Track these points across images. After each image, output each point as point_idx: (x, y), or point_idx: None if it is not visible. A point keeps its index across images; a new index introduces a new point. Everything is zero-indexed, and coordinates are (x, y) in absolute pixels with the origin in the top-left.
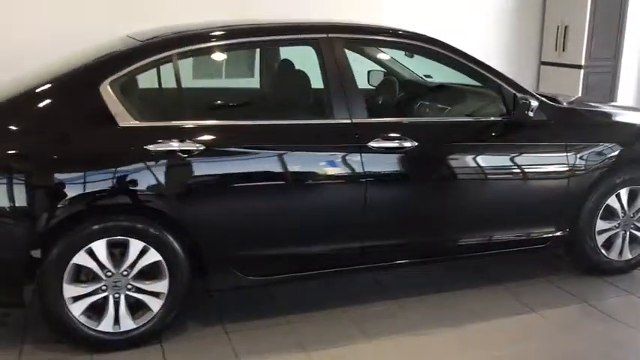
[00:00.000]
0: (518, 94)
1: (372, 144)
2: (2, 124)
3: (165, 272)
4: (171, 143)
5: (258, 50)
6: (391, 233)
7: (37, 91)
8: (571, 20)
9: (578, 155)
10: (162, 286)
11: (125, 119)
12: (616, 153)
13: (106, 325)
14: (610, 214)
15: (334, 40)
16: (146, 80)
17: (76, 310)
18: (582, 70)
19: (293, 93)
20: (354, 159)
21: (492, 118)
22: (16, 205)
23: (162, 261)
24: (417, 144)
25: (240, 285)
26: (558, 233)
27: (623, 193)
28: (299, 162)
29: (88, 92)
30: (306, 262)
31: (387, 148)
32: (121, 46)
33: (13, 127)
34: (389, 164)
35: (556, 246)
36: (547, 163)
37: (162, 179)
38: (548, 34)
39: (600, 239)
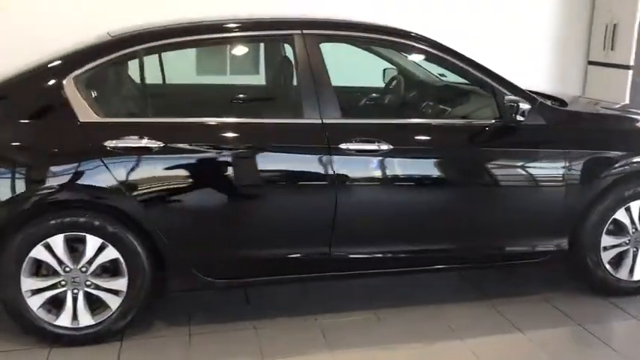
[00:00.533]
0: (508, 97)
1: (343, 146)
2: None
3: (124, 270)
4: (130, 140)
5: (229, 47)
6: (363, 241)
7: (6, 83)
8: (620, 18)
9: (579, 163)
10: (120, 284)
11: (86, 115)
12: (625, 162)
13: (64, 320)
14: (618, 229)
15: (308, 36)
16: (114, 76)
17: (34, 303)
18: (631, 71)
19: (262, 91)
20: (324, 161)
21: (478, 122)
22: None
23: (121, 259)
24: (392, 147)
25: (202, 287)
26: (556, 247)
27: (634, 206)
28: (263, 162)
29: (52, 87)
30: (272, 266)
31: (359, 151)
32: (95, 42)
33: None
34: (361, 168)
35: (555, 261)
36: (540, 170)
37: (119, 176)
38: (597, 33)
39: (606, 256)
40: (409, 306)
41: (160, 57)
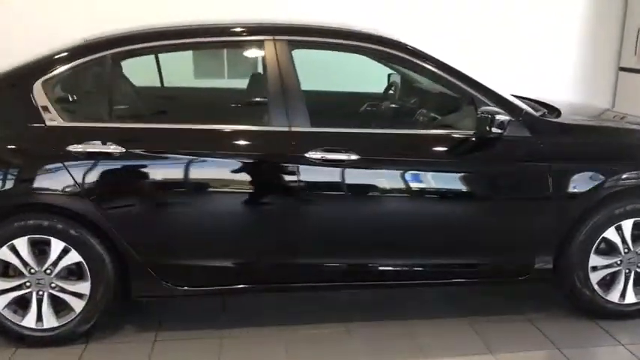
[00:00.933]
0: (483, 108)
1: (310, 155)
2: None
3: (87, 274)
4: (92, 145)
5: (199, 52)
6: (330, 252)
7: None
8: None
9: (565, 178)
10: (84, 287)
11: (52, 119)
12: (616, 178)
13: (29, 321)
14: (609, 248)
15: (279, 42)
16: (82, 81)
17: (0, 303)
18: None
19: (230, 96)
20: (289, 170)
21: (452, 133)
22: None
23: (84, 263)
24: (359, 157)
25: (165, 294)
26: (539, 266)
27: (626, 225)
28: (227, 170)
29: (21, 91)
30: (235, 275)
31: (325, 161)
32: (65, 47)
33: None
34: (327, 178)
35: (539, 280)
36: (520, 185)
37: (80, 181)
38: (628, 38)
39: (595, 277)
40: (383, 320)
41: (125, 62)
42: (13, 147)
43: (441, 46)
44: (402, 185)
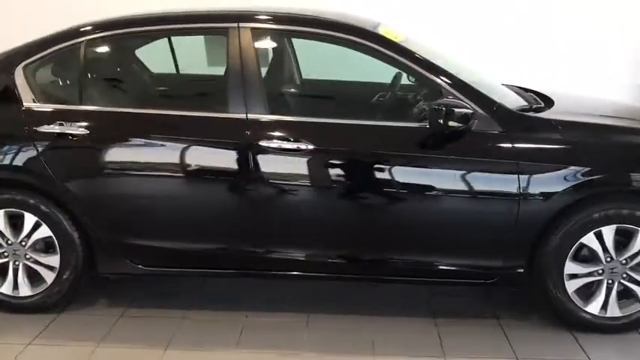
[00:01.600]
0: (439, 100)
1: (263, 143)
2: None
3: (57, 248)
4: (58, 126)
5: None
6: (285, 242)
7: None
8: None
9: (536, 177)
10: (54, 260)
11: (28, 101)
12: (594, 180)
13: (6, 288)
14: (589, 255)
15: (243, 30)
16: (58, 66)
17: None
18: None
19: (195, 83)
20: (244, 157)
21: (408, 125)
22: None
23: (54, 237)
24: (313, 147)
25: (127, 272)
26: (509, 269)
27: (607, 232)
28: (183, 154)
29: (7, 74)
30: (192, 258)
31: (279, 149)
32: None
33: None
34: (280, 166)
35: (509, 284)
36: (482, 182)
37: (47, 160)
38: None
39: (572, 285)
40: (345, 315)
41: (97, 49)
42: (4, 126)
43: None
44: (356, 178)
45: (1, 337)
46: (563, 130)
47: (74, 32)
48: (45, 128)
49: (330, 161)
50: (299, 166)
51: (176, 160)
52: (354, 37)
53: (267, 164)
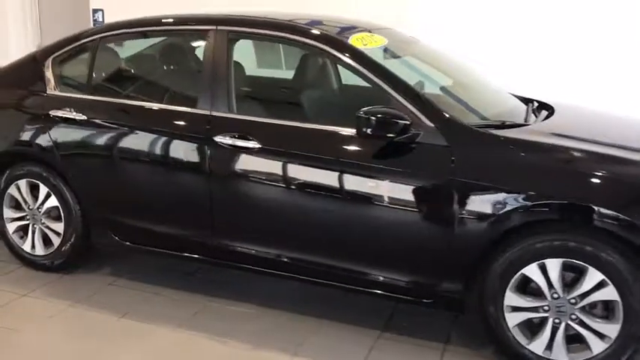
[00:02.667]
0: (370, 108)
1: (218, 139)
2: None
3: (62, 217)
4: (65, 111)
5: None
6: (238, 234)
7: (17, 61)
8: None
9: (474, 198)
10: (60, 227)
11: (51, 88)
12: (536, 205)
13: (27, 246)
14: (533, 289)
15: (220, 32)
16: (76, 59)
17: (10, 229)
18: None
19: (175, 80)
20: (201, 151)
21: (344, 131)
22: None
23: (60, 207)
24: (259, 146)
25: (114, 246)
26: (445, 291)
27: (552, 264)
28: (155, 144)
29: (39, 64)
30: (165, 240)
31: (229, 145)
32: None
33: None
34: (230, 162)
35: (446, 307)
36: (419, 196)
37: (55, 140)
38: None
39: (513, 318)
40: (293, 312)
41: (106, 46)
42: (25, 108)
43: None
44: (295, 177)
45: (6, 286)
46: (515, 150)
47: (90, 31)
48: (56, 112)
49: (273, 160)
50: (247, 162)
51: (149, 148)
52: (311, 41)
53: (220, 159)
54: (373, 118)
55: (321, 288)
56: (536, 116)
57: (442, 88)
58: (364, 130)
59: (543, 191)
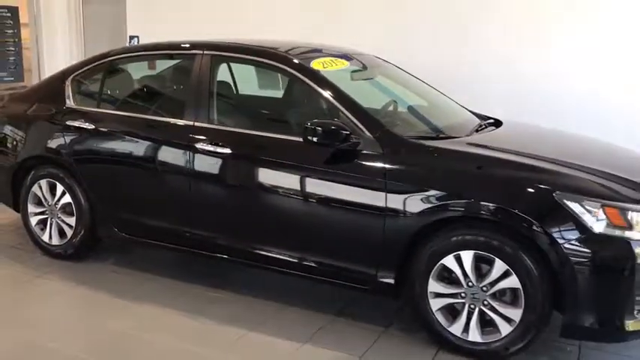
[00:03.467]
0: (316, 120)
1: (198, 145)
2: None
3: (74, 212)
4: (78, 122)
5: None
6: (208, 225)
7: (46, 79)
8: None
9: (400, 196)
10: (72, 221)
11: (70, 102)
12: (448, 204)
13: (45, 237)
14: (451, 278)
15: (205, 56)
16: (91, 78)
17: (33, 222)
18: None
19: (170, 96)
20: (185, 156)
21: (292, 139)
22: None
23: (72, 203)
24: (230, 151)
25: (114, 238)
26: (381, 279)
27: (466, 256)
28: (149, 149)
29: (61, 82)
30: (155, 233)
31: (206, 151)
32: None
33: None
34: (207, 165)
35: (382, 293)
36: (357, 196)
37: (69, 146)
38: None
39: (436, 304)
40: (256, 297)
41: (112, 68)
42: (50, 119)
43: None
44: (251, 176)
45: (27, 268)
46: (436, 157)
47: (104, 54)
48: (72, 122)
49: (240, 163)
50: (220, 165)
51: (144, 153)
52: (276, 63)
53: (200, 162)
54: (319, 128)
55: (285, 277)
56: (477, 131)
57: (409, 107)
58: (311, 138)
59: (454, 192)
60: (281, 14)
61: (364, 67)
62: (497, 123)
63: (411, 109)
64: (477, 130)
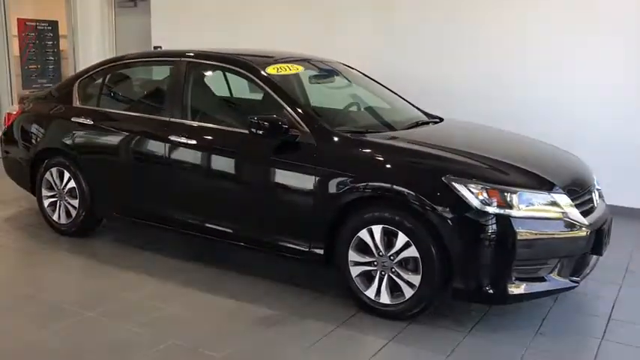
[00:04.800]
0: (260, 115)
1: (172, 137)
2: (43, 100)
3: (77, 195)
4: (79, 118)
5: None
6: (180, 205)
7: (67, 80)
8: None
9: (326, 181)
10: (76, 203)
11: (77, 102)
12: (360, 186)
13: (56, 217)
14: (366, 248)
15: (182, 62)
16: (93, 81)
17: (46, 205)
18: None
19: (156, 96)
20: (162, 147)
21: (242, 131)
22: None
23: (76, 188)
24: (194, 142)
25: (110, 217)
26: (313, 250)
27: (376, 230)
28: (133, 141)
29: (71, 85)
30: (140, 213)
31: (178, 142)
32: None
33: (46, 101)
34: (178, 153)
35: (315, 262)
36: (293, 179)
37: (73, 138)
38: None
39: (355, 271)
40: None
41: (111, 74)
42: (61, 116)
43: None
44: (211, 164)
45: (39, 243)
46: (357, 146)
47: (104, 61)
48: (76, 119)
49: (200, 152)
50: (187, 154)
51: (130, 145)
52: (235, 67)
53: (173, 152)
54: (262, 122)
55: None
56: (410, 127)
57: (366, 107)
58: (254, 130)
59: (366, 176)
60: (288, 24)
61: (328, 73)
62: (440, 121)
63: (368, 109)
64: (410, 127)
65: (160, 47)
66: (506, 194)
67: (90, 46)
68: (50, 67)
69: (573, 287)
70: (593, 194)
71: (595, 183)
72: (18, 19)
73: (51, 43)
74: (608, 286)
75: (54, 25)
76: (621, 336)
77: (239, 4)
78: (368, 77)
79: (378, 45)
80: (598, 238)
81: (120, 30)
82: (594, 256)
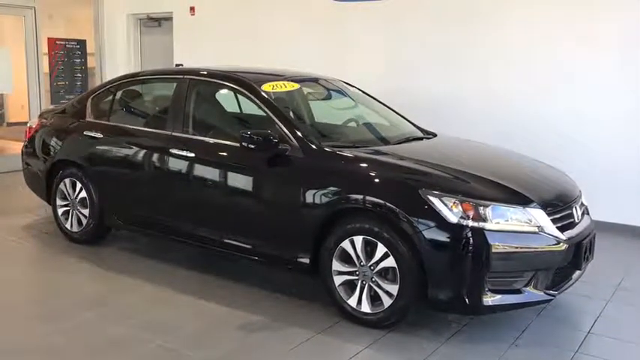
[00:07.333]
0: (253, 130)
1: (172, 150)
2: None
3: (87, 204)
4: (90, 132)
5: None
6: (181, 215)
7: (81, 96)
8: None
9: (312, 193)
10: (87, 212)
11: (89, 117)
12: (342, 198)
13: (68, 225)
14: (348, 258)
15: (184, 80)
16: (103, 98)
17: (60, 212)
18: None
19: (160, 112)
20: (164, 158)
21: (234, 144)
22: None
23: (87, 198)
24: (193, 155)
25: (115, 225)
26: (300, 259)
27: (357, 241)
28: (138, 154)
29: (84, 101)
30: (143, 221)
31: (178, 155)
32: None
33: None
34: (178, 165)
35: (301, 272)
36: (280, 191)
37: (85, 150)
38: None
39: (338, 280)
40: (218, 275)
41: (120, 91)
42: (75, 130)
43: None
44: (208, 175)
45: (54, 249)
46: (341, 160)
47: (112, 80)
48: (87, 132)
49: (197, 164)
50: (186, 166)
51: (134, 157)
52: (232, 85)
53: (173, 163)
54: (254, 137)
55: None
56: (400, 142)
57: (365, 123)
58: (246, 144)
59: (347, 189)
60: (301, 43)
61: (333, 92)
62: (434, 137)
63: (366, 125)
64: (401, 142)
65: (182, 64)
66: (479, 207)
67: (116, 63)
68: (78, 83)
69: (549, 300)
70: (574, 209)
71: (579, 198)
72: (48, 38)
73: (79, 60)
74: (596, 302)
75: (82, 43)
76: (596, 349)
77: (255, 23)
78: (370, 96)
79: (387, 65)
80: (577, 253)
81: (145, 48)
82: (577, 271)
